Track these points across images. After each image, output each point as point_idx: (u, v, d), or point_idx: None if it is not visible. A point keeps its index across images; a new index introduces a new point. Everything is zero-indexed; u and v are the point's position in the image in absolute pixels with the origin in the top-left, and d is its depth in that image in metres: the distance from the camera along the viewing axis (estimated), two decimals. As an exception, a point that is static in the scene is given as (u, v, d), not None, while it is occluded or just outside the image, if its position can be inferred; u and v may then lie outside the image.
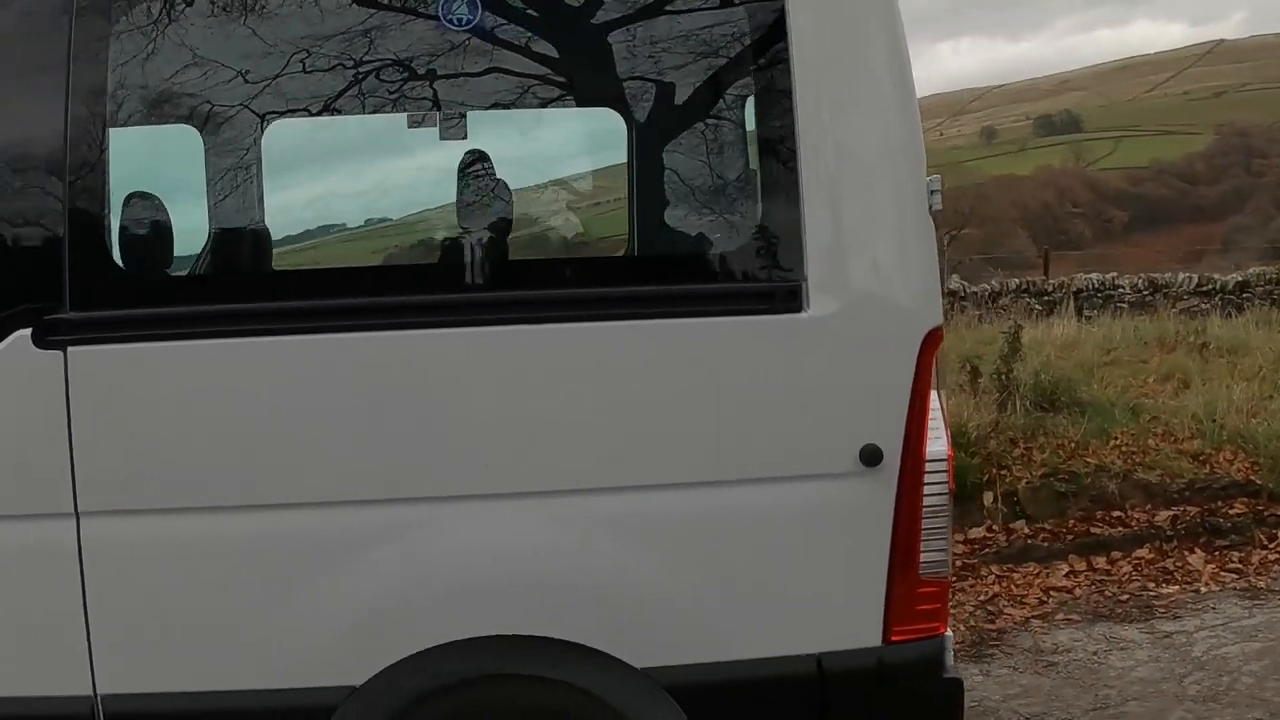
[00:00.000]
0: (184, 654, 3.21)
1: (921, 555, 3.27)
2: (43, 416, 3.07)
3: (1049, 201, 72.33)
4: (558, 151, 3.96)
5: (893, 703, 3.33)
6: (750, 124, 3.48)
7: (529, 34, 3.38)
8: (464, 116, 3.93)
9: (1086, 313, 15.02)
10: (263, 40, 3.33)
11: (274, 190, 4.06)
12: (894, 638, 3.28)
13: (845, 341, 3.23)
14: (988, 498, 7.59)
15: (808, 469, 3.24)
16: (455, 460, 3.18)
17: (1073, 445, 7.95)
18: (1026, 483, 7.66)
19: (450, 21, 3.27)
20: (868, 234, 3.29)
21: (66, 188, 3.09)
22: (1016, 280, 16.79)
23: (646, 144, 3.94)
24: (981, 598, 6.91)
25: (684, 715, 3.20)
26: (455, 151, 3.85)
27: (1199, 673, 5.66)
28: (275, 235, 3.92)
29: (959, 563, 7.24)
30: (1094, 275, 16.71)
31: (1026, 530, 7.49)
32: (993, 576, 7.13)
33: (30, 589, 3.15)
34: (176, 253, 3.69)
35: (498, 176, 3.98)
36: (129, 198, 3.56)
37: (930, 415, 3.27)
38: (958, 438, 7.73)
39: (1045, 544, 7.38)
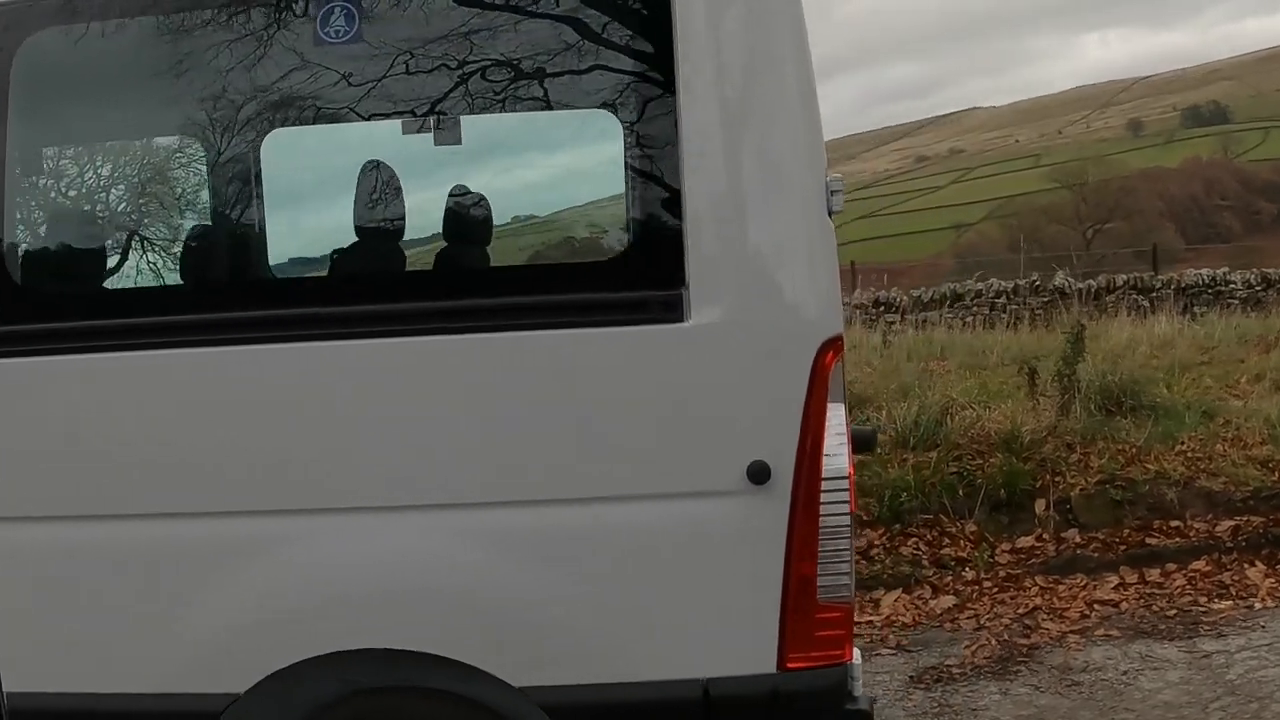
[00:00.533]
0: (79, 656, 3.22)
1: (819, 579, 3.05)
2: None
3: (1196, 194, 70.31)
4: (433, 158, 3.78)
5: None
6: (630, 124, 3.23)
7: (409, 43, 3.25)
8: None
9: (1197, 309, 14.42)
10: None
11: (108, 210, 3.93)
12: (790, 665, 3.09)
13: (730, 352, 3.04)
14: (1039, 505, 7.28)
15: (693, 486, 3.06)
16: (324, 474, 3.11)
17: (1133, 450, 7.57)
18: (1081, 490, 7.31)
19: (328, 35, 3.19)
20: (756, 239, 3.08)
21: None
22: (1124, 276, 16.17)
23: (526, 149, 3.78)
24: (1020, 610, 6.62)
25: None
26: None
27: (1228, 698, 5.31)
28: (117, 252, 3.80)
29: (1003, 573, 6.97)
30: (1204, 271, 16.04)
31: (1078, 540, 7.16)
32: (1036, 588, 6.83)
33: None
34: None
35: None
36: None
37: (830, 430, 3.04)
38: (1009, 442, 7.44)
39: (1096, 554, 7.04)
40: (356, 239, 3.70)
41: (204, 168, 3.76)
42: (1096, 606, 6.59)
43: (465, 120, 3.51)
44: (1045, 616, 6.52)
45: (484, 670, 3.08)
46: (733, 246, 3.06)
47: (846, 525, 3.08)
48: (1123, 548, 7.05)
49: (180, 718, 3.18)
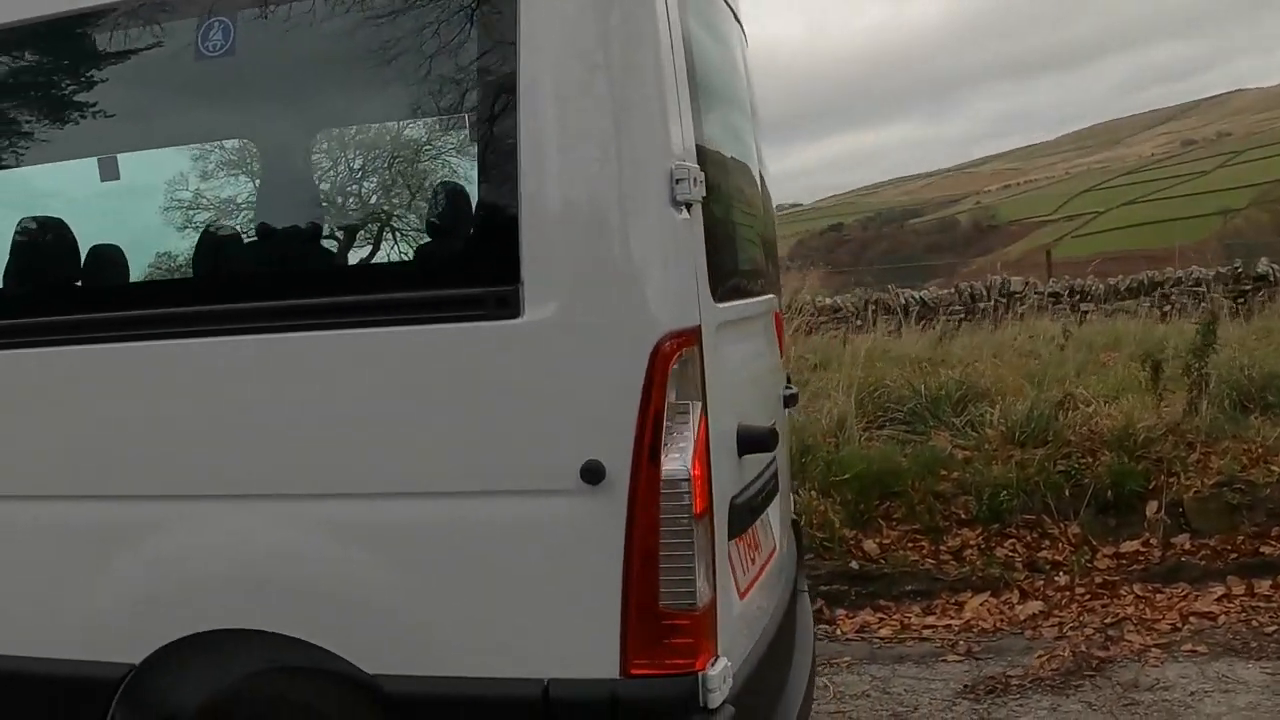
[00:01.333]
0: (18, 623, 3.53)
1: (662, 585, 2.97)
2: None
3: None
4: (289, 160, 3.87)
5: None
6: (474, 125, 3.24)
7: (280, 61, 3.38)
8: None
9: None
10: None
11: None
12: (634, 671, 2.99)
13: (565, 348, 2.97)
14: (1150, 508, 6.88)
15: (530, 484, 3.01)
16: (186, 462, 3.29)
17: (1260, 451, 7.04)
18: (1195, 492, 6.86)
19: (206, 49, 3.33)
20: (590, 234, 2.98)
21: None
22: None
23: (366, 146, 3.79)
24: (1108, 620, 6.29)
25: None
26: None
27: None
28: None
29: (1099, 579, 6.63)
30: None
31: (1187, 546, 6.73)
32: (1132, 597, 6.48)
33: None
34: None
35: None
36: None
37: (674, 430, 2.96)
38: (1123, 439, 7.05)
39: (1203, 562, 6.61)
40: (208, 241, 3.77)
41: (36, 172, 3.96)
42: (1192, 619, 6.20)
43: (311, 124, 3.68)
44: (1133, 627, 6.17)
45: (339, 655, 3.16)
46: (567, 242, 2.99)
47: (688, 529, 2.96)
48: (1234, 556, 6.60)
49: (87, 682, 3.40)
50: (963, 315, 14.82)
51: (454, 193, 3.41)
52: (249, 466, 3.24)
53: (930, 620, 6.61)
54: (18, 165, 3.82)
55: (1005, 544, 6.96)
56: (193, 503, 3.31)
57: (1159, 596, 6.44)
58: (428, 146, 3.60)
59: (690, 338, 3.01)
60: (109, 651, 3.37)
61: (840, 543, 7.11)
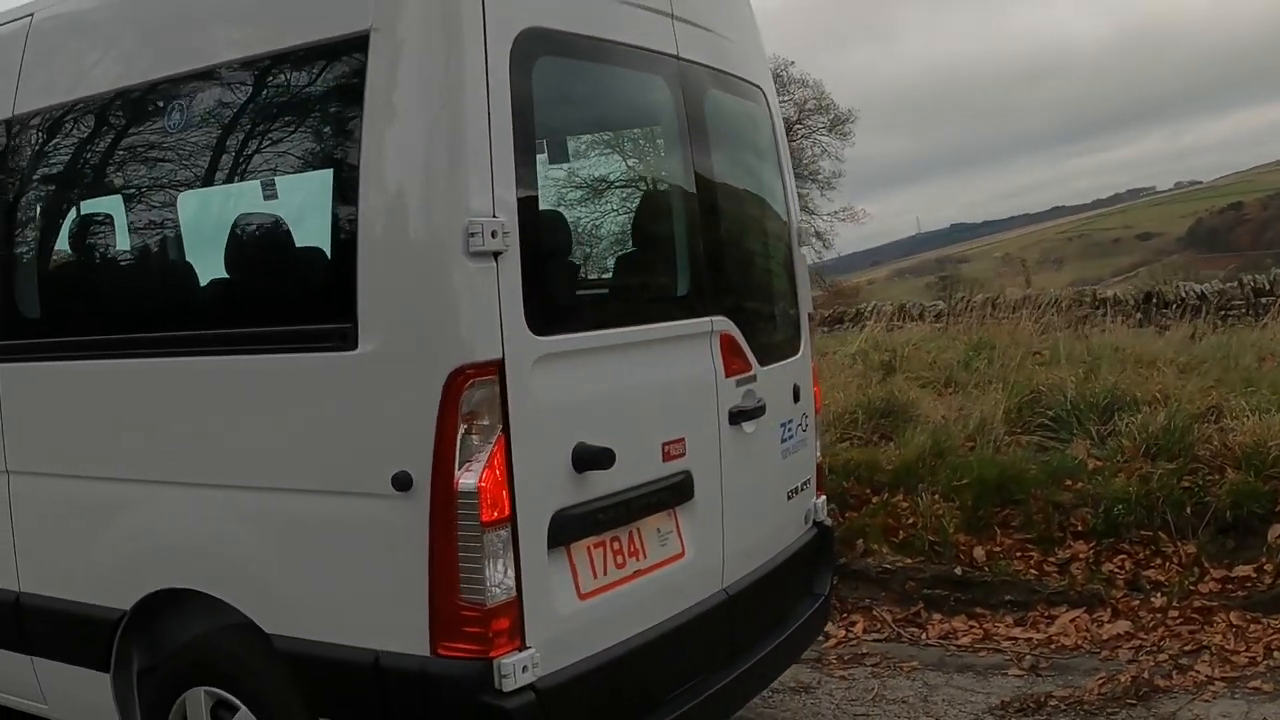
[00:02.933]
0: (56, 571, 4.62)
1: (461, 581, 3.49)
2: None
3: None
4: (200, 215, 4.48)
5: (440, 710, 3.59)
6: (332, 184, 3.79)
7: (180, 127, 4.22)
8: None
9: None
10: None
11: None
12: (441, 652, 3.54)
13: (385, 376, 3.58)
14: (1273, 532, 6.45)
15: (359, 487, 3.64)
16: (135, 454, 4.27)
17: None
18: (1325, 519, 6.38)
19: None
20: (404, 280, 3.56)
21: None
22: None
23: (244, 201, 4.35)
24: (1189, 647, 6.03)
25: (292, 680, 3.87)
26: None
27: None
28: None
29: (1198, 603, 6.33)
30: None
31: (1306, 575, 6.29)
32: (1224, 624, 6.15)
33: None
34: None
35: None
36: None
37: (469, 449, 3.48)
38: (1251, 457, 6.65)
39: (1316, 595, 6.16)
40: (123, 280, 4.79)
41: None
42: (1277, 654, 5.84)
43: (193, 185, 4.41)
44: (1209, 657, 5.89)
45: (249, 616, 3.93)
46: (389, 286, 3.57)
47: (478, 535, 3.46)
48: (1353, 592, 6.11)
49: (98, 620, 4.40)
50: (1244, 310, 13.77)
51: (310, 243, 4.01)
52: (174, 460, 4.14)
53: (1016, 632, 6.53)
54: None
55: (1115, 559, 6.73)
56: (145, 486, 4.26)
57: (1254, 627, 6.08)
58: (292, 204, 4.18)
59: (489, 369, 3.49)
60: (110, 598, 4.34)
61: (950, 548, 7.09)
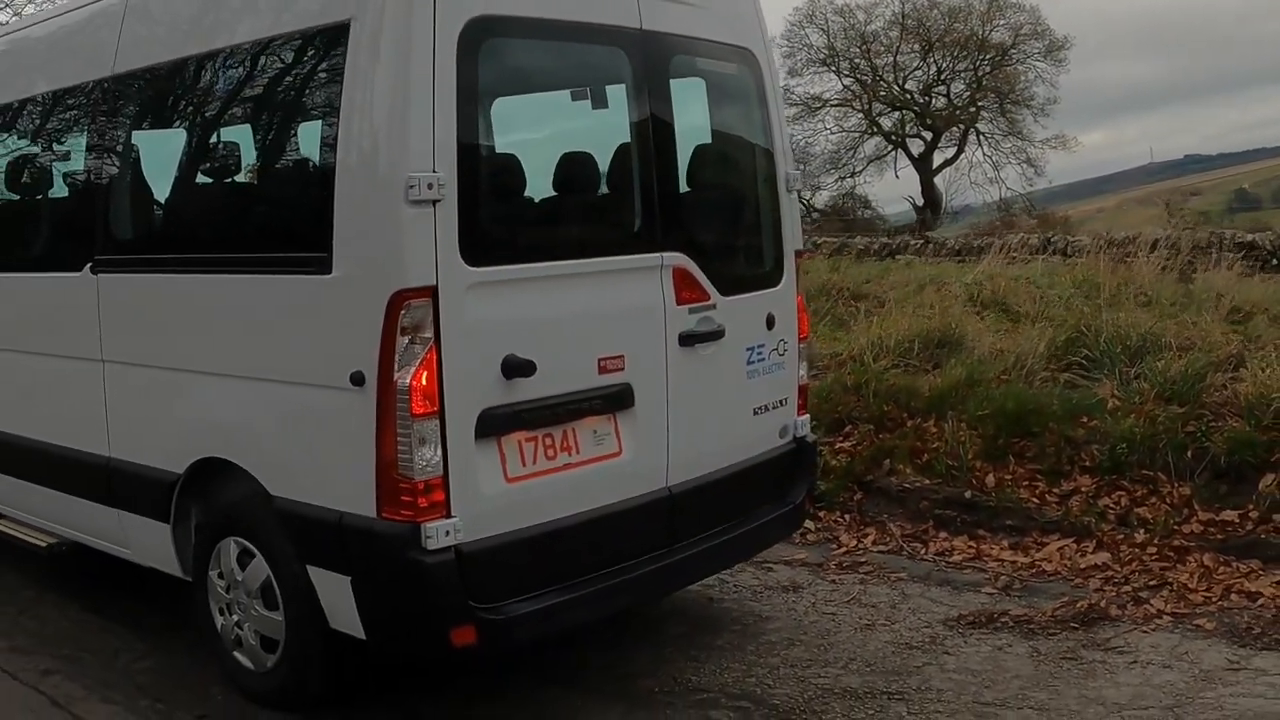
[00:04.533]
0: (134, 441, 5.72)
1: (397, 459, 4.42)
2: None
3: None
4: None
5: (384, 559, 4.57)
6: (319, 145, 4.77)
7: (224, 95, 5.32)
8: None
9: None
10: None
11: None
12: (384, 515, 4.52)
13: (348, 296, 4.55)
14: (1265, 480, 6.70)
15: (328, 381, 4.62)
16: (180, 348, 5.40)
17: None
18: (1314, 472, 6.58)
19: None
20: (362, 221, 4.52)
21: None
22: None
23: (261, 157, 5.32)
24: (1152, 582, 6.40)
25: (287, 533, 4.91)
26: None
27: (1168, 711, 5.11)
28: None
29: (1177, 542, 6.69)
30: None
31: (1289, 525, 6.52)
32: (1195, 565, 6.47)
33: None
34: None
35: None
36: None
37: (405, 356, 4.39)
38: (1254, 407, 6.89)
39: (1291, 544, 6.41)
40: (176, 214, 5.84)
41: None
42: (1233, 597, 6.16)
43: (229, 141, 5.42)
44: (1167, 593, 6.25)
45: (260, 482, 5.00)
46: (351, 225, 4.53)
47: (409, 424, 4.40)
48: (1328, 543, 6.34)
49: (162, 481, 5.51)
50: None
51: (299, 190, 5.04)
52: (204, 353, 5.23)
53: (1006, 555, 6.98)
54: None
55: (1112, 495, 7.07)
56: (185, 374, 5.35)
57: (1223, 570, 6.39)
58: (286, 161, 5.24)
59: (424, 293, 4.40)
60: (169, 463, 5.43)
61: (966, 472, 7.53)
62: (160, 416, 5.57)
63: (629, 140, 5.32)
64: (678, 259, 5.31)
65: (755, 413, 5.87)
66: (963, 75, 46.34)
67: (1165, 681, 5.32)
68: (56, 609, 6.64)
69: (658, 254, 5.25)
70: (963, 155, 46.97)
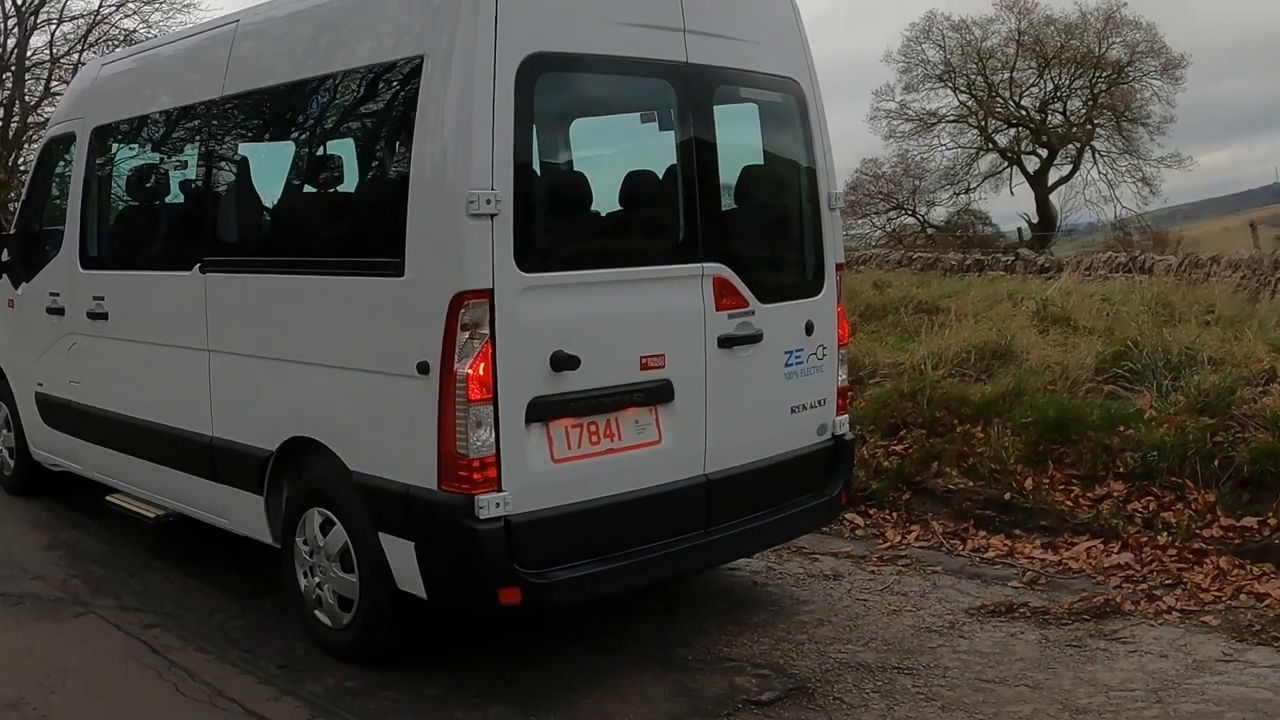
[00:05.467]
0: (233, 422, 6.47)
1: (456, 439, 5.10)
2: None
3: None
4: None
5: (442, 526, 5.24)
6: (395, 161, 5.53)
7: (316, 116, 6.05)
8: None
9: None
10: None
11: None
12: (444, 488, 5.20)
13: (419, 295, 5.23)
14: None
15: (400, 370, 5.30)
16: (276, 340, 6.10)
17: None
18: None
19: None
20: (429, 232, 5.22)
21: None
22: None
23: (347, 172, 6.03)
24: (1167, 581, 6.79)
25: (363, 503, 5.60)
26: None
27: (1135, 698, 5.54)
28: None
29: (1196, 545, 7.06)
30: None
31: (1308, 530, 6.86)
32: (1211, 567, 6.85)
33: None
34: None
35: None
36: None
37: (464, 349, 5.06)
38: (1279, 421, 7.24)
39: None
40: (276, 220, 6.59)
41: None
42: (1242, 597, 6.53)
43: (319, 157, 6.16)
44: (1180, 592, 6.64)
45: (340, 458, 5.72)
46: (421, 235, 5.24)
47: (466, 408, 5.06)
48: (1341, 552, 6.67)
49: (256, 458, 6.25)
50: None
51: (379, 203, 5.65)
52: (296, 345, 5.93)
53: (1037, 553, 7.41)
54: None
55: (1141, 500, 7.45)
56: (277, 363, 6.08)
57: (1237, 572, 6.75)
58: (369, 177, 5.95)
59: (482, 295, 5.07)
60: (263, 441, 6.15)
61: (1008, 475, 7.98)
62: (256, 400, 6.30)
63: (674, 161, 5.90)
64: (718, 269, 5.89)
65: (793, 411, 6.41)
66: (1079, 92, 46.14)
67: (1158, 669, 5.73)
68: (161, 574, 7.44)
69: (699, 264, 5.83)
70: (1078, 173, 46.75)
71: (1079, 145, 46.47)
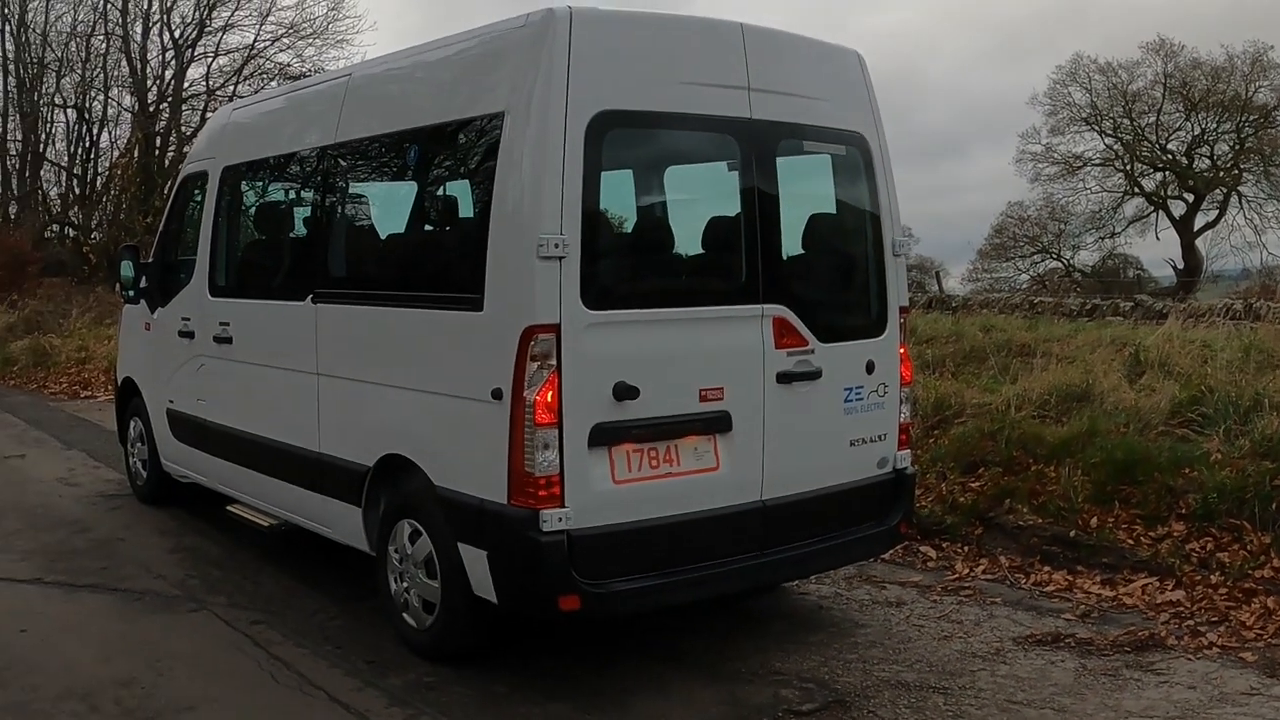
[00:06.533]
0: (338, 439, 7.11)
1: (524, 459, 5.65)
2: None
3: None
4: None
5: (511, 537, 5.77)
6: (477, 205, 6.13)
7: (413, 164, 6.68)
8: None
9: None
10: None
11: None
12: (513, 502, 5.74)
13: (494, 328, 5.80)
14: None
15: (478, 395, 5.87)
16: (373, 365, 6.70)
17: None
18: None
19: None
20: (504, 272, 5.78)
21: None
22: None
23: (436, 215, 6.69)
24: (1213, 619, 6.99)
25: (445, 515, 6.17)
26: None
27: None
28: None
29: (1247, 585, 7.25)
30: None
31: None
32: (1258, 606, 7.03)
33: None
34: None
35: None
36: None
37: (533, 378, 5.61)
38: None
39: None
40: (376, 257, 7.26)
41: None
42: (1289, 632, 6.72)
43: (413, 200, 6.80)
44: (1224, 629, 6.85)
45: (427, 474, 6.30)
46: (498, 273, 5.81)
47: (534, 431, 5.61)
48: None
49: (356, 472, 6.87)
50: None
51: (464, 247, 6.16)
52: (391, 370, 6.54)
53: (1095, 589, 7.66)
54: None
55: (1200, 540, 7.65)
56: (375, 386, 6.68)
57: (1295, 606, 6.94)
58: (455, 220, 6.48)
59: (549, 329, 5.62)
60: (363, 457, 6.75)
61: (1075, 513, 8.23)
62: (357, 420, 6.94)
63: (737, 210, 6.37)
64: (778, 310, 6.36)
65: (852, 444, 6.82)
66: (1226, 136, 45.32)
67: (1182, 699, 5.99)
68: (271, 576, 8.15)
69: (759, 305, 6.30)
70: (1224, 218, 45.88)
71: (1225, 190, 45.64)
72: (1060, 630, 6.99)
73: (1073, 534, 8.11)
